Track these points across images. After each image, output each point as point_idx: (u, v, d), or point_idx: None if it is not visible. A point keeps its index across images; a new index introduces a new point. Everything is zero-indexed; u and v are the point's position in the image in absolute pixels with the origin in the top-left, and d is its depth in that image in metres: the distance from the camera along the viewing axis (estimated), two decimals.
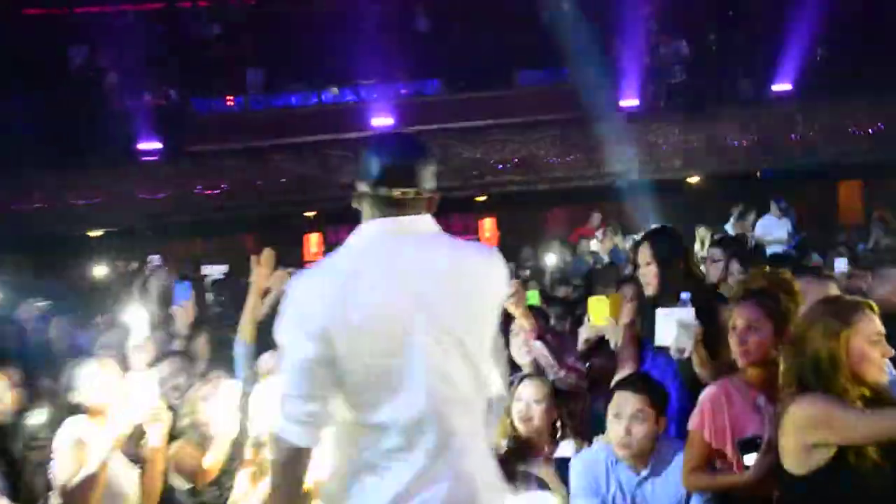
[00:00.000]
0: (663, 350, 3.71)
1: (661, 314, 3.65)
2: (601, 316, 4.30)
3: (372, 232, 2.33)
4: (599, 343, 4.45)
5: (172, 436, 3.83)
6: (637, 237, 7.23)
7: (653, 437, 3.33)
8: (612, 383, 3.69)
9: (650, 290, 3.94)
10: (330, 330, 2.17)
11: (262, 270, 4.61)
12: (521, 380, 3.86)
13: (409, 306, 2.22)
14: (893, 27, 12.62)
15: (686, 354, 3.59)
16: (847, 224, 13.25)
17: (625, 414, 3.31)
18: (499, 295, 2.46)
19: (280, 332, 2.25)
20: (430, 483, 2.20)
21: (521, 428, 3.76)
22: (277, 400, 2.26)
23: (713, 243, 6.84)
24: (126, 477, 3.69)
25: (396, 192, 2.31)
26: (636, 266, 4.08)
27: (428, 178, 2.36)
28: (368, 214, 2.35)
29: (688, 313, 3.57)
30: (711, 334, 3.62)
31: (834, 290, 3.86)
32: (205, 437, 3.83)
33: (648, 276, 3.94)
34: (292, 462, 2.22)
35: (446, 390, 2.24)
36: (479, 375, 2.33)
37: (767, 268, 3.52)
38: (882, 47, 12.51)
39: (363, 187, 2.35)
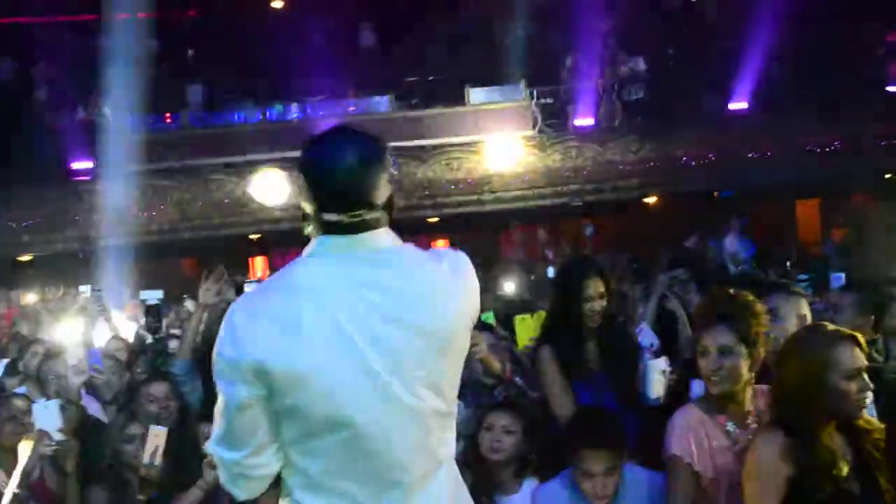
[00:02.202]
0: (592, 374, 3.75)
1: (653, 366, 3.59)
2: (525, 336, 4.08)
3: (319, 251, 2.04)
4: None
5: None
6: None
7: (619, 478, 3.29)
8: (570, 434, 3.46)
9: (593, 321, 3.93)
10: (263, 367, 1.90)
11: (208, 285, 4.42)
12: (493, 408, 3.73)
13: (357, 344, 1.94)
14: (848, 44, 12.59)
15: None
16: (805, 242, 13.14)
17: (598, 472, 3.24)
18: (470, 313, 2.14)
19: (213, 365, 2.00)
20: None
21: (490, 458, 3.62)
22: (209, 445, 2.06)
23: (672, 263, 6.56)
24: None
25: (342, 218, 1.99)
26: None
27: (379, 189, 2.02)
28: (316, 235, 2.06)
29: (665, 362, 3.61)
30: None
31: (805, 306, 3.85)
32: None
33: (596, 308, 3.92)
34: None
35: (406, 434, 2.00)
36: (442, 412, 2.07)
37: (731, 290, 3.35)
38: (837, 65, 12.43)
39: (307, 208, 2.05)
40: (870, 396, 2.77)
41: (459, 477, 2.19)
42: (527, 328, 4.09)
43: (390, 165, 2.07)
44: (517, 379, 3.91)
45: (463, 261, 2.15)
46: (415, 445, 2.00)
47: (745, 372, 3.05)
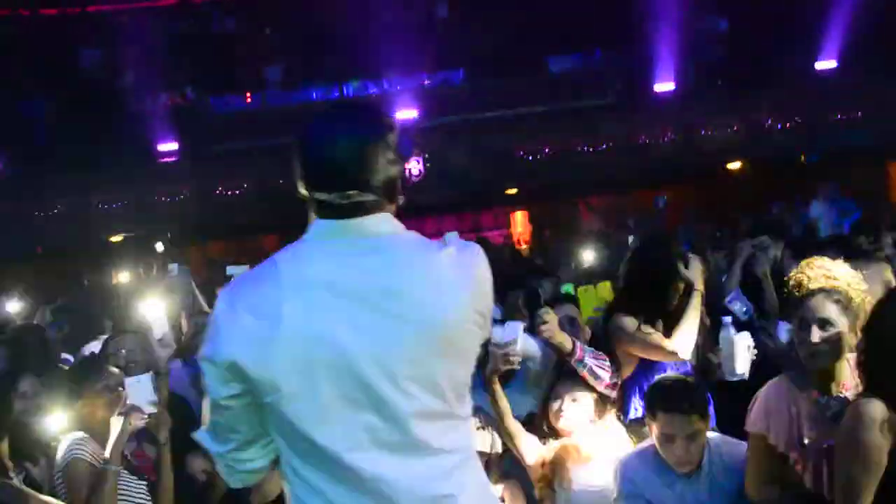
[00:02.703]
0: None
1: (739, 340, 3.44)
2: (589, 307, 3.93)
3: (310, 238, 1.89)
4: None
5: None
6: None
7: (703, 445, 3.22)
8: (648, 400, 3.39)
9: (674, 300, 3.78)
10: (241, 366, 1.78)
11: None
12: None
13: (342, 340, 1.78)
14: None
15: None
16: None
17: (678, 435, 3.17)
18: (476, 307, 1.92)
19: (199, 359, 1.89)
20: None
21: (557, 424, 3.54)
22: (198, 435, 1.99)
23: (754, 230, 6.37)
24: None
25: (334, 198, 1.84)
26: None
27: (377, 169, 1.85)
28: (313, 218, 1.91)
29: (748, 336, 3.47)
30: None
31: (889, 272, 3.74)
32: None
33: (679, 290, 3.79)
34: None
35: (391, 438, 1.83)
36: (444, 415, 1.88)
37: (816, 258, 3.22)
38: None
39: (300, 187, 1.90)
40: None
41: (481, 477, 2.01)
42: (590, 298, 3.99)
43: (396, 145, 1.88)
44: (589, 357, 3.79)
45: (471, 252, 1.95)
46: (398, 447, 1.83)
47: (846, 346, 2.91)
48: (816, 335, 2.89)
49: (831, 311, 2.90)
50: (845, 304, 2.91)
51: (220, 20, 13.75)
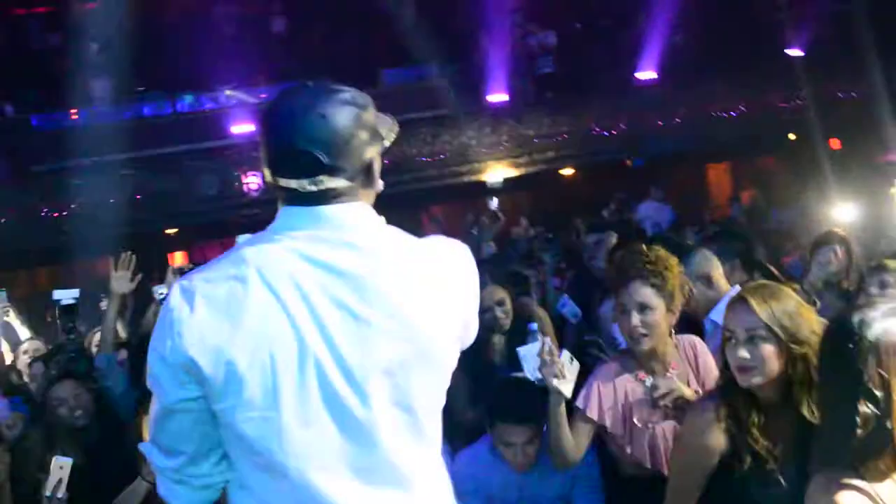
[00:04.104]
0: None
1: (523, 353, 3.55)
2: None
3: (277, 228, 1.70)
4: None
5: None
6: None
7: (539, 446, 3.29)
8: (488, 408, 3.47)
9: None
10: (196, 366, 1.60)
11: (119, 274, 4.30)
12: None
13: (308, 345, 1.61)
14: (747, 11, 12.92)
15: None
16: (717, 205, 13.48)
17: (517, 443, 3.27)
18: (459, 314, 1.76)
19: (148, 359, 1.69)
20: None
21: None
22: (142, 446, 1.77)
23: (589, 228, 6.65)
24: None
25: (303, 184, 1.66)
26: None
27: (350, 152, 1.66)
28: (280, 203, 1.74)
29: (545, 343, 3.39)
30: None
31: (718, 266, 3.81)
32: None
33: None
34: None
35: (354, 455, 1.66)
36: (411, 424, 1.71)
37: (633, 245, 3.36)
38: (738, 31, 12.76)
39: (266, 175, 1.73)
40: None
41: (444, 492, 1.84)
42: None
43: (373, 125, 1.71)
44: None
45: (458, 253, 1.79)
46: (370, 470, 1.66)
47: (665, 326, 3.04)
48: (636, 319, 3.02)
49: (648, 295, 3.01)
50: (661, 286, 3.02)
51: (39, 35, 13.07)
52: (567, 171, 13.78)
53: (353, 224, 1.68)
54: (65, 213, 11.76)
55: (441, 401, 1.76)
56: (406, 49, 12.74)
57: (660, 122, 12.83)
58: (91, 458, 3.66)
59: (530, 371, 3.39)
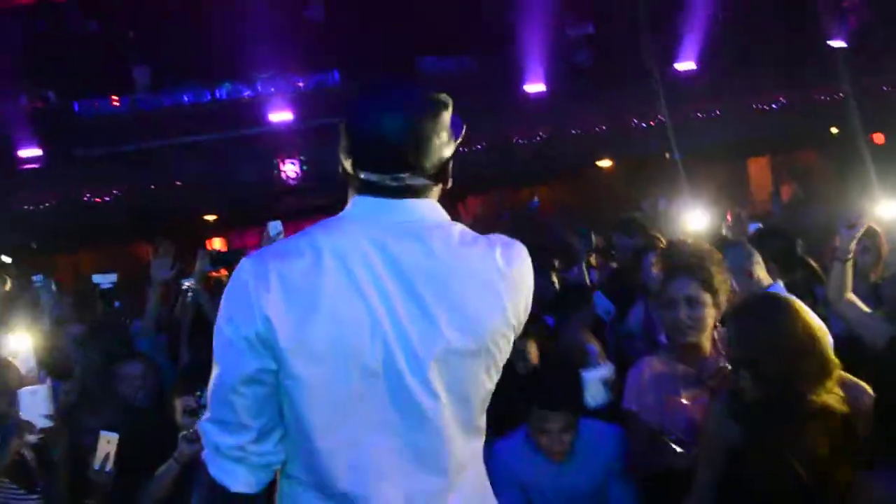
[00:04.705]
0: None
1: (590, 378, 3.43)
2: None
3: (350, 216, 1.77)
4: None
5: None
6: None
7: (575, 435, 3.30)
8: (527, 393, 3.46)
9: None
10: (273, 337, 1.64)
11: (159, 262, 4.37)
12: None
13: (380, 329, 1.67)
14: (786, 3, 12.74)
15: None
16: (758, 198, 13.33)
17: (553, 430, 3.27)
18: (515, 312, 1.81)
19: (216, 324, 1.72)
20: None
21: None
22: (199, 426, 1.77)
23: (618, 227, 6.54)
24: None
25: (384, 179, 1.73)
26: None
27: (430, 152, 1.74)
28: (352, 194, 1.81)
29: (608, 371, 3.44)
30: None
31: (759, 262, 3.81)
32: None
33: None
34: None
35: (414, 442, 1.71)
36: (462, 418, 1.76)
37: (678, 240, 3.51)
38: (781, 23, 12.57)
39: (345, 163, 1.78)
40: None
41: (483, 482, 1.93)
42: None
43: (449, 125, 1.78)
44: None
45: (518, 254, 1.82)
46: (420, 454, 1.72)
47: (710, 321, 3.07)
48: (683, 313, 3.04)
49: (696, 289, 3.04)
50: (708, 282, 3.05)
51: (81, 22, 13.23)
52: (604, 164, 13.69)
53: (422, 219, 1.75)
54: (106, 199, 11.92)
55: (489, 394, 1.82)
56: (442, 38, 12.75)
57: (699, 115, 12.68)
58: (131, 436, 3.70)
59: (591, 396, 3.36)
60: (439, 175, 1.78)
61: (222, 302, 1.71)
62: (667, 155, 13.46)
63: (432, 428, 1.72)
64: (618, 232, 6.14)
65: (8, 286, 8.05)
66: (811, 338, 2.53)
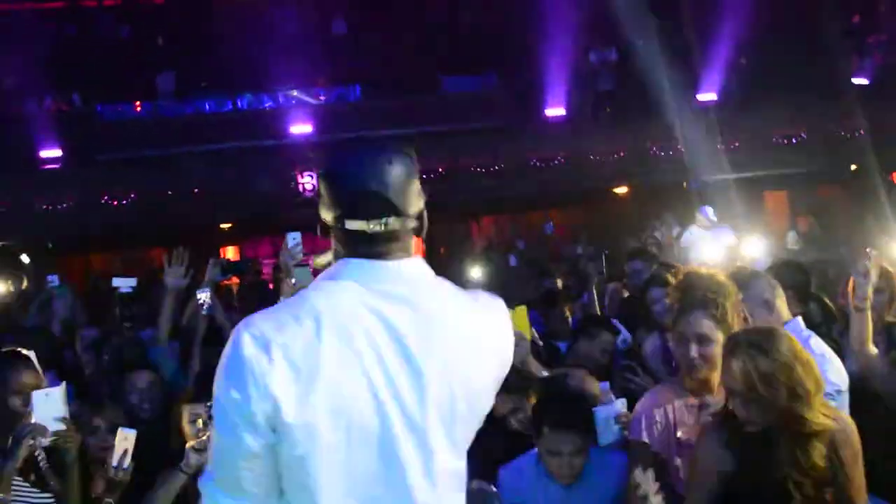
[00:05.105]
0: None
1: (602, 415, 3.36)
2: None
3: (343, 280, 1.77)
4: None
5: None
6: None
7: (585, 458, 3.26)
8: (537, 414, 3.41)
9: None
10: (279, 413, 1.65)
11: (172, 270, 4.38)
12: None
13: (378, 393, 1.70)
14: (814, 37, 12.72)
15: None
16: (773, 231, 13.25)
17: (563, 452, 3.22)
18: (501, 366, 1.90)
19: (214, 397, 1.72)
20: None
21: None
22: (201, 483, 1.78)
23: (631, 254, 6.52)
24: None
25: (371, 226, 1.76)
26: None
27: (409, 198, 1.79)
28: (339, 252, 1.82)
29: (621, 407, 3.38)
30: None
31: (781, 294, 3.69)
32: None
33: None
34: None
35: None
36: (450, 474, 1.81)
37: (692, 270, 3.27)
38: (804, 57, 12.57)
39: (327, 217, 1.81)
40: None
41: None
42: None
43: (417, 176, 1.84)
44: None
45: (498, 310, 1.91)
46: None
47: (721, 355, 2.96)
48: (695, 350, 2.99)
49: (708, 327, 2.98)
50: (720, 317, 2.98)
51: (111, 26, 13.38)
52: (621, 190, 13.68)
53: (410, 279, 1.79)
54: (124, 202, 12.00)
55: (472, 437, 1.88)
56: (465, 57, 12.81)
57: (719, 146, 12.66)
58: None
59: (602, 433, 3.32)
60: (418, 224, 1.83)
61: (222, 373, 1.69)
62: (684, 184, 13.47)
63: (431, 486, 1.76)
64: (632, 259, 6.12)
65: (25, 285, 8.11)
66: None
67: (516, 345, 3.52)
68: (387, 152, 1.79)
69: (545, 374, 3.67)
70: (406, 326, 1.73)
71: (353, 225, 1.76)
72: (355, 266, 1.78)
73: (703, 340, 2.99)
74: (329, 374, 1.66)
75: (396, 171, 1.77)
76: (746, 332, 2.75)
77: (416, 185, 1.81)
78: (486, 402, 1.86)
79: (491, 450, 3.25)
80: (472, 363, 1.80)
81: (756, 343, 2.56)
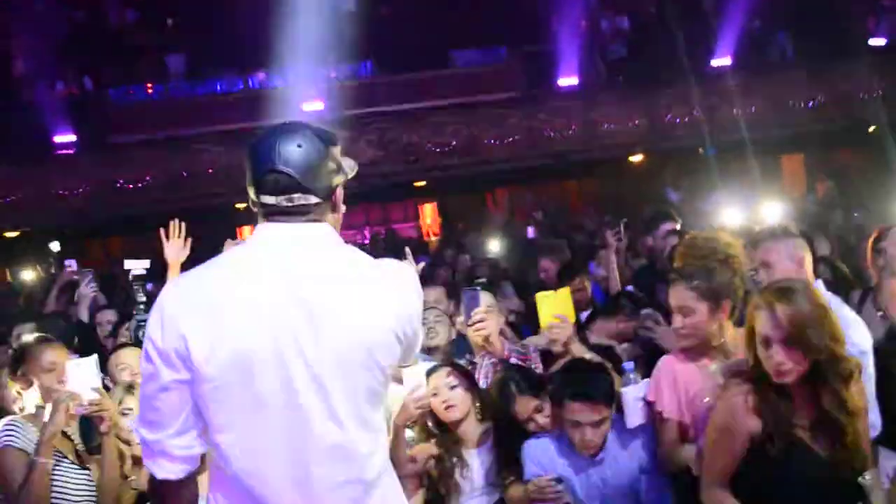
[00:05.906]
0: None
1: (630, 396, 3.32)
2: (549, 314, 3.76)
3: (256, 241, 2.08)
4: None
5: None
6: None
7: (608, 429, 3.27)
8: (558, 387, 3.40)
9: None
10: (186, 352, 1.93)
11: (171, 243, 4.48)
12: (429, 373, 3.57)
13: (278, 339, 1.95)
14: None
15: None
16: (791, 195, 13.15)
17: (585, 423, 3.22)
18: (397, 328, 2.08)
19: (144, 345, 2.02)
20: None
21: (446, 417, 3.55)
22: (132, 425, 2.14)
23: (659, 218, 6.47)
24: (74, 478, 3.29)
25: (280, 200, 2.03)
26: None
27: (319, 177, 2.04)
28: (259, 220, 2.10)
29: (645, 388, 3.34)
30: None
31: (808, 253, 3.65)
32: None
33: None
34: (165, 494, 2.06)
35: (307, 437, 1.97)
36: (354, 419, 2.02)
37: (697, 238, 3.46)
38: (819, 19, 12.40)
39: (251, 193, 2.08)
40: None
41: (396, 492, 2.18)
42: (550, 305, 3.80)
43: (338, 160, 2.09)
44: (514, 358, 3.79)
45: (402, 274, 2.15)
46: (315, 448, 1.98)
47: (711, 325, 3.10)
48: (678, 321, 3.13)
49: (688, 299, 3.10)
50: (704, 289, 3.09)
51: (118, 10, 13.35)
52: (637, 158, 13.60)
53: (319, 243, 2.05)
54: (139, 185, 12.04)
55: (382, 392, 2.09)
56: (476, 29, 12.72)
57: (734, 111, 12.54)
58: None
59: (630, 414, 3.29)
60: (330, 199, 2.07)
61: (148, 319, 2.00)
62: (700, 150, 13.36)
63: (339, 450, 1.98)
64: (664, 221, 6.11)
65: (53, 270, 8.18)
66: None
67: (559, 327, 3.59)
68: (298, 135, 2.03)
69: (588, 355, 3.64)
70: (306, 281, 1.98)
71: (266, 199, 2.02)
72: (266, 228, 2.05)
73: (686, 312, 3.10)
74: (234, 321, 1.93)
75: (304, 151, 2.01)
76: (786, 281, 2.81)
77: (328, 166, 2.05)
78: (385, 354, 2.05)
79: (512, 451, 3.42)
80: (367, 315, 2.00)
81: (800, 289, 2.62)
